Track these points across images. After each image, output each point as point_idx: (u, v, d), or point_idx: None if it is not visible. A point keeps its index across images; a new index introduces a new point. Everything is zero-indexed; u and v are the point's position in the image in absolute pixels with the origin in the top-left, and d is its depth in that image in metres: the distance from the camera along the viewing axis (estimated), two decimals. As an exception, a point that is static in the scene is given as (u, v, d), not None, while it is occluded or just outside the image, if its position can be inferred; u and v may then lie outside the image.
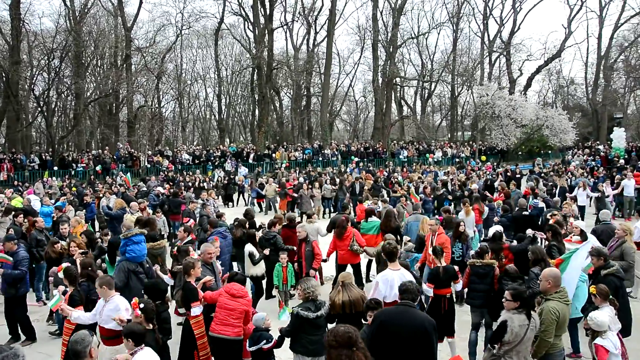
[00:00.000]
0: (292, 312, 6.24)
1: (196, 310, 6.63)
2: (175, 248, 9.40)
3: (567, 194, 17.46)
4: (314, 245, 9.72)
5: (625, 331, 6.49)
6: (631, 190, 18.34)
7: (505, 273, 7.56)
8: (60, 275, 7.41)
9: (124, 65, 37.37)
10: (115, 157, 31.01)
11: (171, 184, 24.23)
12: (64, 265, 7.54)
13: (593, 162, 30.25)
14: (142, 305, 5.62)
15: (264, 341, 6.23)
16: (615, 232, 9.01)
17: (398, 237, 10.89)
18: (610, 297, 6.10)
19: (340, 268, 9.99)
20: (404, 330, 4.97)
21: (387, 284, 6.54)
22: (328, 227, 11.42)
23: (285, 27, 46.20)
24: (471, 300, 7.68)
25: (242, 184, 25.33)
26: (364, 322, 6.05)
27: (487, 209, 14.02)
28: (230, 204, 24.64)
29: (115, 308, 5.98)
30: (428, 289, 7.47)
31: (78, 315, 6.41)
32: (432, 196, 17.16)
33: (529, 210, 13.42)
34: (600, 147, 35.49)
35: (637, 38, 44.18)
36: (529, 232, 10.00)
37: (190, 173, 29.32)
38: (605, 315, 5.73)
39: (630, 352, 6.49)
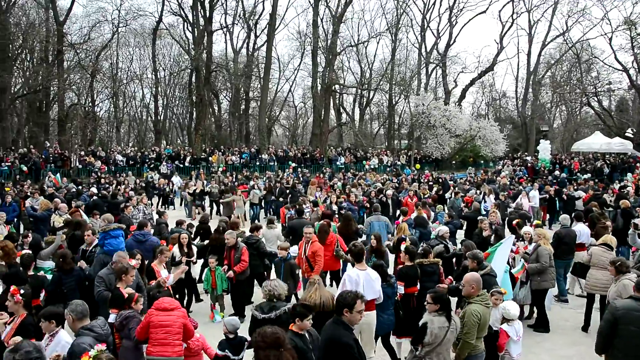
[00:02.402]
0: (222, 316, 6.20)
1: (112, 317, 6.20)
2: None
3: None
4: (242, 252, 9.50)
5: None
6: (536, 201, 19.13)
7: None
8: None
9: (56, 61, 35.81)
10: (43, 156, 29.67)
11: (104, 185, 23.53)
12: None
13: (520, 173, 31.60)
14: (22, 291, 5.83)
15: (247, 343, 6.12)
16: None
17: (358, 239, 11.06)
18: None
19: (321, 274, 9.82)
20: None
21: (352, 282, 6.76)
22: (284, 233, 11.62)
23: (225, 29, 45.96)
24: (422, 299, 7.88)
25: (162, 187, 24.90)
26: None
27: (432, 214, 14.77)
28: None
29: (59, 342, 5.32)
30: (400, 287, 7.59)
31: None
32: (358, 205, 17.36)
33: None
34: (528, 158, 37.16)
35: (562, 57, 46.71)
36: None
37: (124, 175, 28.50)
38: (516, 308, 6.60)
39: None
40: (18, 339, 5.03)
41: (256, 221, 15.24)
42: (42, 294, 7.65)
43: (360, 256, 7.21)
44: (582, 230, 11.38)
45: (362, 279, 6.84)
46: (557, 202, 19.58)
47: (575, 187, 21.96)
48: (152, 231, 11.35)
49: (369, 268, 7.16)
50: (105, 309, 6.45)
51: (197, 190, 21.87)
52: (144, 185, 24.57)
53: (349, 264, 9.10)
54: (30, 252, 8.41)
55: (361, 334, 6.86)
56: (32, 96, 33.62)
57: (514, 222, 11.07)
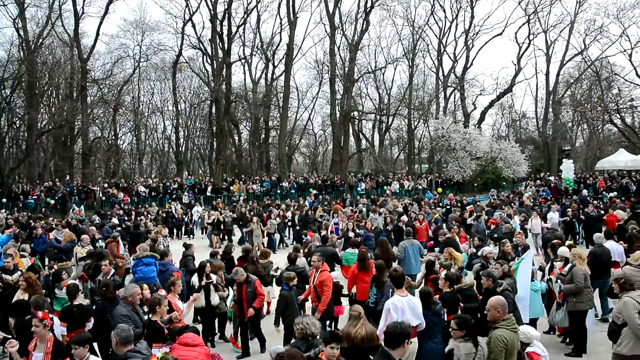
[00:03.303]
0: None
1: (157, 352, 6.06)
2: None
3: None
4: (256, 286, 9.12)
5: None
6: (554, 223, 18.49)
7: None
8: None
9: (80, 96, 36.73)
10: (67, 189, 30.19)
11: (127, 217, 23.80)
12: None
13: (544, 193, 31.14)
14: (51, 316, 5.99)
15: None
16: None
17: (393, 264, 11.02)
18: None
19: (360, 303, 9.55)
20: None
21: (397, 310, 6.67)
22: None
23: (243, 61, 46.66)
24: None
25: (180, 216, 25.25)
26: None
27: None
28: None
29: None
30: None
31: None
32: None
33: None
34: (551, 178, 36.65)
35: (581, 75, 46.33)
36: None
37: (147, 206, 28.84)
38: (534, 330, 6.40)
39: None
40: None
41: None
42: (89, 323, 7.57)
43: (400, 282, 7.11)
44: (613, 247, 11.19)
45: (407, 305, 6.73)
46: (577, 224, 18.98)
47: (600, 206, 21.48)
48: (174, 262, 11.45)
49: (409, 294, 7.05)
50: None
51: (215, 220, 22.02)
52: (164, 215, 24.80)
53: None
54: (77, 283, 8.44)
55: None
56: (57, 131, 34.39)
57: (552, 242, 10.94)
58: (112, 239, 13.98)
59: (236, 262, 11.48)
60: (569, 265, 9.16)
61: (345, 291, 10.14)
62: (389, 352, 4.76)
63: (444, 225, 18.80)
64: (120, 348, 5.33)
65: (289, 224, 22.13)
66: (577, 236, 19.37)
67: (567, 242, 12.18)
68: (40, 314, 6.01)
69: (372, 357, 5.92)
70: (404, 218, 18.06)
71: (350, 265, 10.85)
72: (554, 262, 9.95)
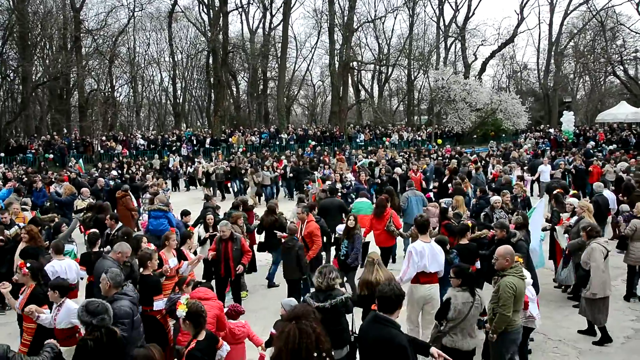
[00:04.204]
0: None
1: (159, 304, 6.21)
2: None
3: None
4: (242, 243, 8.68)
5: (534, 286, 7.10)
6: (547, 177, 18.43)
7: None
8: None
9: (74, 47, 36.03)
10: (66, 142, 30.05)
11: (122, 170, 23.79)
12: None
13: (543, 145, 31.09)
14: (28, 265, 6.15)
15: None
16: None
17: (401, 213, 11.34)
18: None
19: (381, 250, 9.83)
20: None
21: (418, 254, 6.81)
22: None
23: (240, 10, 45.62)
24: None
25: (175, 169, 25.25)
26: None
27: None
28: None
29: (69, 311, 5.57)
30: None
31: (46, 316, 5.82)
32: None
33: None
34: (551, 130, 36.53)
35: (585, 25, 45.46)
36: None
37: (146, 159, 28.82)
38: (527, 273, 6.39)
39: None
40: (33, 307, 5.65)
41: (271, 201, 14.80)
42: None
43: (425, 227, 7.18)
44: (609, 196, 12.07)
45: (427, 251, 6.84)
46: (567, 176, 18.84)
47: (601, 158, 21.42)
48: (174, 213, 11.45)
49: (432, 240, 7.12)
50: None
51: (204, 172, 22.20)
52: (157, 168, 24.72)
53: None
54: (97, 230, 8.58)
55: (424, 307, 6.88)
56: (52, 83, 33.78)
57: (554, 191, 10.96)
58: (124, 192, 13.98)
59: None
60: (576, 217, 9.11)
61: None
62: (382, 315, 4.33)
63: (433, 175, 19.06)
64: (111, 290, 5.49)
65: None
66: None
67: (572, 192, 12.14)
68: (19, 262, 6.46)
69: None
70: (398, 170, 17.94)
71: (360, 214, 10.83)
72: (559, 213, 9.91)
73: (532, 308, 6.49)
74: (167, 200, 11.94)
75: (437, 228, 8.99)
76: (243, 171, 21.97)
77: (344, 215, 10.67)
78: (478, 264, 7.67)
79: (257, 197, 19.51)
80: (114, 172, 21.35)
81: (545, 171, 18.68)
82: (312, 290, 8.16)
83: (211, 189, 21.63)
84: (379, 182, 17.07)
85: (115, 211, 11.55)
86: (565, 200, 10.20)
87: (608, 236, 11.54)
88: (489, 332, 5.86)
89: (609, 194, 12.23)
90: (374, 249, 9.22)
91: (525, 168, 19.65)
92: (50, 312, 5.78)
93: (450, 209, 9.84)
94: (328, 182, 16.22)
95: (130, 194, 14.21)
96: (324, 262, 9.93)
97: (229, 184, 22.31)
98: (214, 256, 8.54)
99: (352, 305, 5.85)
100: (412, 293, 6.88)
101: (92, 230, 8.62)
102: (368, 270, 6.34)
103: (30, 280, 6.18)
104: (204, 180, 22.30)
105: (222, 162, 24.28)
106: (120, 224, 9.52)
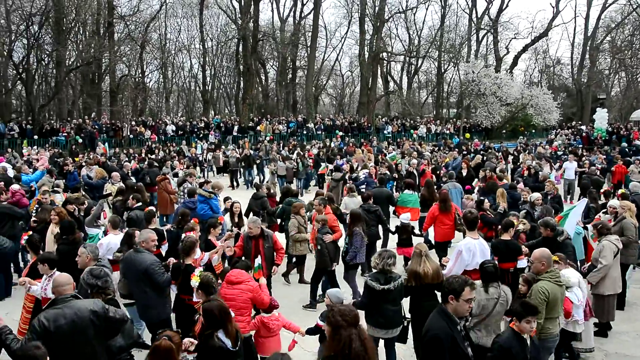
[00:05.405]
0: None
1: (196, 271, 5.97)
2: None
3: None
4: (274, 240, 8.04)
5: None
6: (571, 174, 18.18)
7: None
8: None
9: (107, 33, 36.50)
10: (96, 127, 30.54)
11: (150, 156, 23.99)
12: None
13: (574, 142, 30.50)
14: (26, 238, 7.26)
15: None
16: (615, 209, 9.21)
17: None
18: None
19: (438, 245, 9.67)
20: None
21: (469, 252, 6.74)
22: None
23: (272, -3, 45.55)
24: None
25: (194, 155, 25.13)
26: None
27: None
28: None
29: None
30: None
31: (37, 288, 6.23)
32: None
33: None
34: (583, 127, 35.80)
35: (624, 19, 44.23)
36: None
37: (174, 144, 29.12)
38: (574, 275, 6.35)
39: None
40: (26, 279, 6.27)
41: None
42: (165, 246, 8.10)
43: (474, 224, 7.12)
44: None
45: (478, 249, 6.77)
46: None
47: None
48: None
49: (480, 237, 7.06)
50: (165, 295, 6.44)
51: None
52: (175, 155, 24.79)
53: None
54: (153, 208, 9.35)
55: None
56: (85, 68, 34.30)
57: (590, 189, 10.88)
58: (164, 176, 14.28)
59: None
60: (619, 217, 8.89)
61: (417, 231, 10.27)
62: (443, 307, 4.37)
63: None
64: (91, 262, 5.95)
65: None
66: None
67: (620, 191, 11.65)
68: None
69: (437, 292, 6.10)
70: (414, 162, 17.80)
71: (407, 206, 11.15)
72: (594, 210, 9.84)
73: (577, 313, 6.29)
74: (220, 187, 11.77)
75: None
76: (258, 160, 22.06)
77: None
78: (520, 263, 7.30)
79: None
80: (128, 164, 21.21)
81: (569, 168, 18.37)
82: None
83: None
84: (396, 176, 17.06)
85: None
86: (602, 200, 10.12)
87: None
88: None
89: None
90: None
91: (555, 165, 19.33)
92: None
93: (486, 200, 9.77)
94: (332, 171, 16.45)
95: (170, 177, 14.45)
96: (379, 247, 10.06)
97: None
98: (237, 254, 7.86)
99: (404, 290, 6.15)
100: None
101: (149, 208, 9.22)
102: (416, 261, 6.29)
103: (32, 254, 6.99)
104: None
105: (234, 151, 24.28)
106: (139, 203, 9.75)
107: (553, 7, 44.33)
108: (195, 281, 5.50)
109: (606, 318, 7.47)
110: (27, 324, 6.11)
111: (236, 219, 9.79)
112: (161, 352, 4.09)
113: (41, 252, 7.09)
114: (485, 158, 20.16)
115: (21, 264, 10.34)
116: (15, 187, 11.12)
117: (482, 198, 9.61)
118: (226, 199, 10.87)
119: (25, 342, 4.18)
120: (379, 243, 10.50)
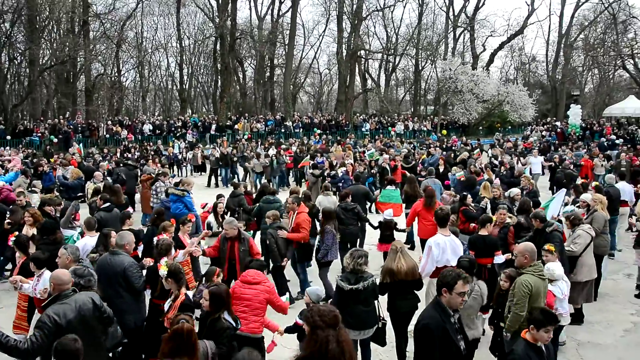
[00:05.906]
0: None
1: (162, 261, 6.00)
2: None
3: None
4: (251, 244, 7.78)
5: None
6: (537, 168, 18.45)
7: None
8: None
9: (82, 31, 35.87)
10: (71, 127, 30.10)
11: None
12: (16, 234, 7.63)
13: (550, 138, 30.96)
14: (13, 238, 7.21)
15: None
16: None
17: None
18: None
19: (422, 242, 9.46)
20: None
21: (439, 248, 6.74)
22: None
23: (249, -5, 45.34)
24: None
25: (171, 155, 24.91)
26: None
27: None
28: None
29: (46, 282, 5.74)
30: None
31: (28, 286, 6.15)
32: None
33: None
34: (558, 123, 36.35)
35: (597, 18, 45.01)
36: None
37: (151, 144, 28.83)
38: (560, 268, 6.38)
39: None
40: (18, 277, 6.18)
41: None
42: (140, 247, 8.00)
43: (445, 221, 7.11)
44: (624, 188, 11.93)
45: (448, 245, 6.78)
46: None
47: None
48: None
49: (452, 234, 7.08)
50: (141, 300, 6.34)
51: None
52: (152, 153, 24.57)
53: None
54: (130, 209, 9.62)
55: None
56: (59, 67, 33.66)
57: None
58: (149, 175, 14.21)
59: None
60: (591, 210, 9.12)
61: (400, 227, 10.28)
62: (437, 299, 4.41)
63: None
64: (71, 264, 5.80)
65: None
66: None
67: (594, 184, 11.79)
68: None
69: (414, 291, 6.20)
70: (385, 157, 17.94)
71: (389, 202, 11.20)
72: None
73: (561, 306, 6.35)
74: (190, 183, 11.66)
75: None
76: (235, 159, 22.04)
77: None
78: (497, 258, 7.43)
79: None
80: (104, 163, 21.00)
81: (535, 163, 18.71)
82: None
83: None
84: (374, 172, 17.20)
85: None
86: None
87: (624, 228, 11.93)
88: (504, 331, 5.76)
89: (624, 185, 12.00)
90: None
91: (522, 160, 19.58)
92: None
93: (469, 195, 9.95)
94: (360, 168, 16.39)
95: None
96: (357, 245, 9.99)
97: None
98: (210, 254, 7.82)
99: (378, 289, 6.10)
100: (431, 286, 6.78)
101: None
102: (391, 257, 6.27)
103: (21, 253, 7.00)
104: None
105: (215, 149, 24.17)
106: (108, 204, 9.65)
107: (528, 5, 44.98)
108: (163, 270, 5.61)
109: (584, 300, 7.72)
110: (23, 321, 6.33)
111: (220, 219, 9.69)
112: (183, 336, 4.07)
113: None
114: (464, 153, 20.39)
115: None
116: (-1, 184, 11.05)
117: (464, 193, 9.70)
118: (219, 197, 10.63)
119: (36, 339, 4.28)
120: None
